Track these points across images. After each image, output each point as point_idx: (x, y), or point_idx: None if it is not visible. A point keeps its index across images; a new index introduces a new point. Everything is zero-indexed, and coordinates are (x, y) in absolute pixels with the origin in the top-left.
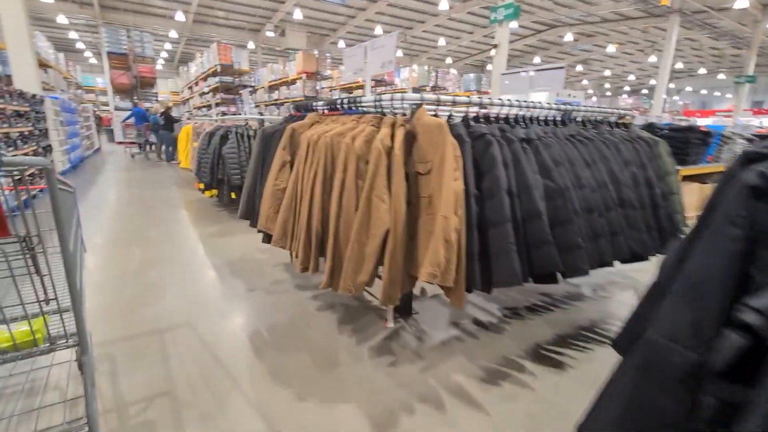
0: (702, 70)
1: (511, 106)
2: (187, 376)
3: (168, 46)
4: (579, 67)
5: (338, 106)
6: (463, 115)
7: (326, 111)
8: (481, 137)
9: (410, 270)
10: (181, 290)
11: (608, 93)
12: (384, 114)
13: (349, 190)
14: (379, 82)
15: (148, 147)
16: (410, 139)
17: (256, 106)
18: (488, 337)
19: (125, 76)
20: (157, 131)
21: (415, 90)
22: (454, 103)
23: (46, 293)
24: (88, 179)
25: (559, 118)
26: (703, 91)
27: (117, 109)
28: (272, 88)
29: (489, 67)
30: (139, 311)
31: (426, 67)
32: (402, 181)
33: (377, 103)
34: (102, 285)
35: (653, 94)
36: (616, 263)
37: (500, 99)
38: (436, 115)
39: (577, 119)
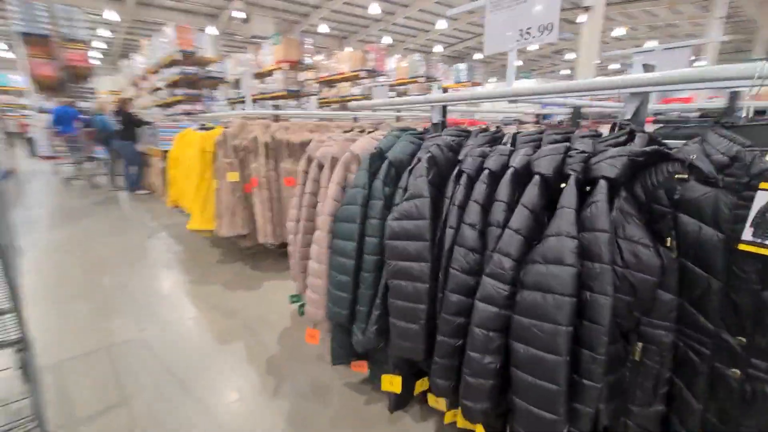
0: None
1: None
2: None
3: (104, 32)
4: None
5: None
6: None
7: None
8: None
9: None
10: None
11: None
12: None
13: None
14: (371, 72)
15: (92, 165)
16: None
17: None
18: None
19: (49, 66)
20: (110, 141)
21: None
22: None
23: None
24: None
25: None
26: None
27: (42, 111)
28: (238, 82)
29: (476, 56)
30: None
31: (417, 56)
32: None
33: None
34: None
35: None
36: None
37: None
38: None
39: None
